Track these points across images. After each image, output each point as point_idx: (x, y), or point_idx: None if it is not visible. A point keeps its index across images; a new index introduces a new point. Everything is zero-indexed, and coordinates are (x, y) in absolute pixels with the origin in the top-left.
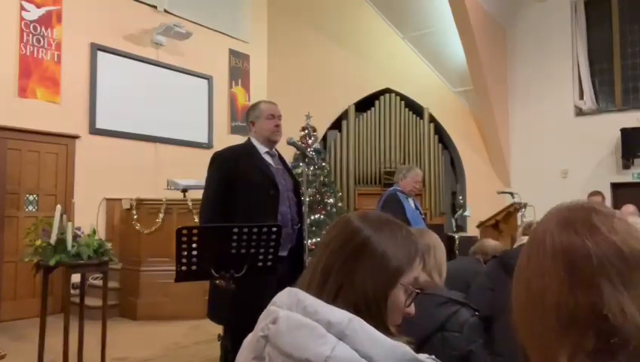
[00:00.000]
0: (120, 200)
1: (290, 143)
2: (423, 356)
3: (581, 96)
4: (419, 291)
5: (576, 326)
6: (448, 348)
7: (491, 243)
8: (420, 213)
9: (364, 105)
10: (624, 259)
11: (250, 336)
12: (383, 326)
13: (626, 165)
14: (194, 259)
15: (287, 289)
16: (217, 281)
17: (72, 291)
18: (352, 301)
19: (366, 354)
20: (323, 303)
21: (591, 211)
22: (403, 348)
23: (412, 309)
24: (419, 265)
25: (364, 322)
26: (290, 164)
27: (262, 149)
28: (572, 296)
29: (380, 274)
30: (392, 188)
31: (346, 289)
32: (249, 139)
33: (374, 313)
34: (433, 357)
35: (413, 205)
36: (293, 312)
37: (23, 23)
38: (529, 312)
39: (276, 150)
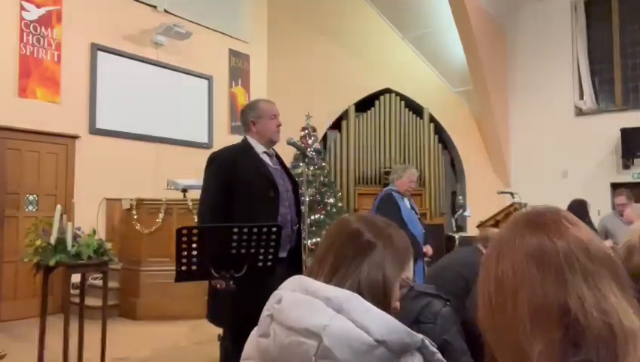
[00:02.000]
0: (120, 200)
1: (290, 143)
2: (413, 332)
3: (581, 96)
4: (412, 285)
5: (547, 321)
6: None
7: (493, 230)
8: (416, 212)
9: (364, 105)
10: (589, 255)
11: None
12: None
13: (626, 165)
14: (194, 259)
15: (293, 276)
16: (217, 284)
17: (72, 291)
18: (358, 289)
19: (361, 324)
20: (323, 284)
21: (560, 215)
22: (395, 320)
23: (398, 304)
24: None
25: (361, 298)
26: (290, 164)
27: (259, 149)
28: (542, 291)
29: (387, 268)
30: (387, 188)
31: (353, 281)
32: (245, 139)
33: (379, 299)
34: (424, 337)
35: (408, 205)
36: (296, 292)
37: (23, 22)
38: (501, 311)
39: (273, 149)
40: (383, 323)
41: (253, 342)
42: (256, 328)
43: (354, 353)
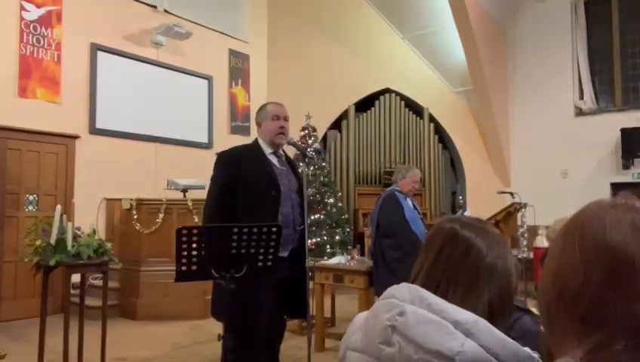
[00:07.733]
0: (120, 200)
1: (290, 143)
2: (534, 356)
3: (581, 96)
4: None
5: (602, 328)
6: None
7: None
8: (419, 212)
9: (364, 105)
10: None
11: (361, 316)
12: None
13: (626, 165)
14: (194, 259)
15: (406, 284)
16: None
17: (72, 291)
18: (479, 308)
19: (492, 351)
20: (447, 302)
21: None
22: (517, 344)
23: None
24: None
25: (487, 322)
26: None
27: (267, 150)
28: (605, 300)
29: (508, 290)
30: (390, 189)
31: (472, 299)
32: (256, 140)
33: (507, 299)
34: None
35: (411, 205)
36: (417, 308)
37: (23, 22)
38: (548, 304)
39: (283, 151)
40: (509, 349)
41: (362, 341)
42: (360, 318)
43: None
